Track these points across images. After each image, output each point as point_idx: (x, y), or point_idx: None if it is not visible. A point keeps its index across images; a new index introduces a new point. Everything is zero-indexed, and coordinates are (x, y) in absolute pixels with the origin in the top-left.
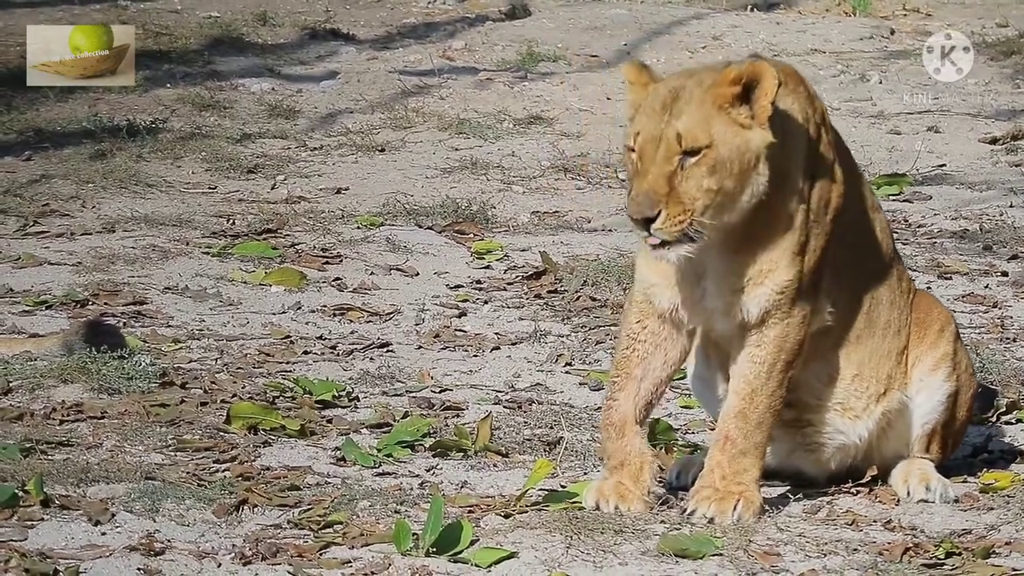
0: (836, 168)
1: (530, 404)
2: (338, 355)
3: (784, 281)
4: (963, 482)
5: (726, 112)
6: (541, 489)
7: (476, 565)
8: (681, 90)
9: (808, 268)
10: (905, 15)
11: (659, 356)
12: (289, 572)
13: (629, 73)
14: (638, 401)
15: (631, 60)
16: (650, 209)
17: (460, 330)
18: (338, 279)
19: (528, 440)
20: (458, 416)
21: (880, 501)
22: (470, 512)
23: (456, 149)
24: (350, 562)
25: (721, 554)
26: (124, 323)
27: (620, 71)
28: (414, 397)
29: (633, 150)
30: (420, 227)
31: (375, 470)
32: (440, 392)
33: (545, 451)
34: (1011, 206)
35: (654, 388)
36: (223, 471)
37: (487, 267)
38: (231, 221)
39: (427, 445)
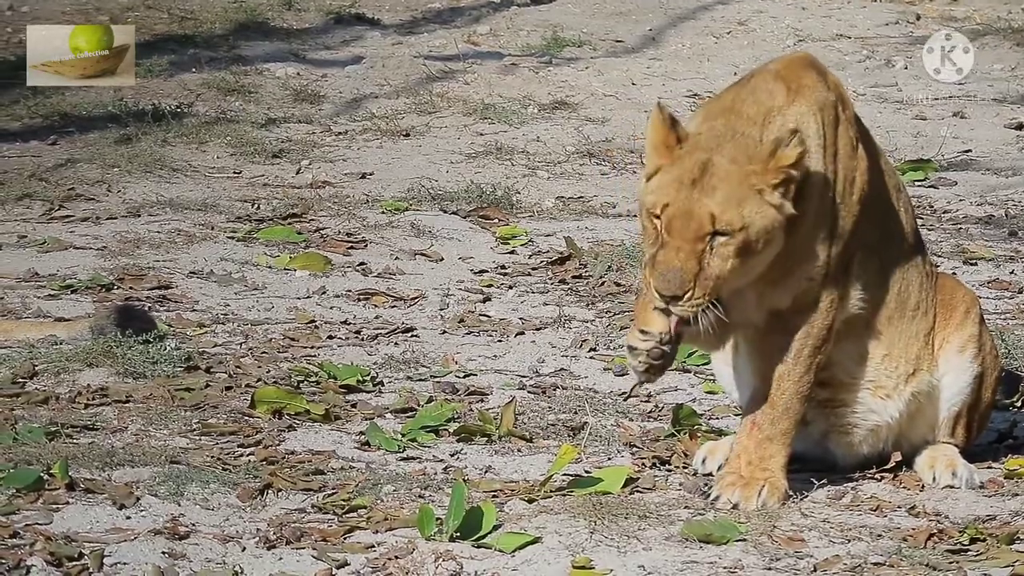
0: (859, 147)
1: (554, 389)
2: (363, 340)
3: (814, 268)
4: (987, 468)
5: (760, 195)
6: (565, 474)
7: (500, 550)
8: (713, 164)
9: (836, 252)
10: (931, 0)
11: None
12: (313, 556)
13: (655, 132)
14: None
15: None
16: (680, 289)
17: (484, 315)
18: (363, 264)
19: (552, 425)
20: (482, 401)
21: (904, 487)
22: (494, 497)
23: (481, 134)
24: (374, 546)
25: (745, 539)
26: (149, 307)
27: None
28: (438, 382)
29: (658, 217)
30: (445, 212)
31: (399, 455)
32: (464, 377)
33: (569, 436)
34: None
35: None
36: (248, 455)
37: (512, 252)
38: (256, 206)
39: (451, 430)
